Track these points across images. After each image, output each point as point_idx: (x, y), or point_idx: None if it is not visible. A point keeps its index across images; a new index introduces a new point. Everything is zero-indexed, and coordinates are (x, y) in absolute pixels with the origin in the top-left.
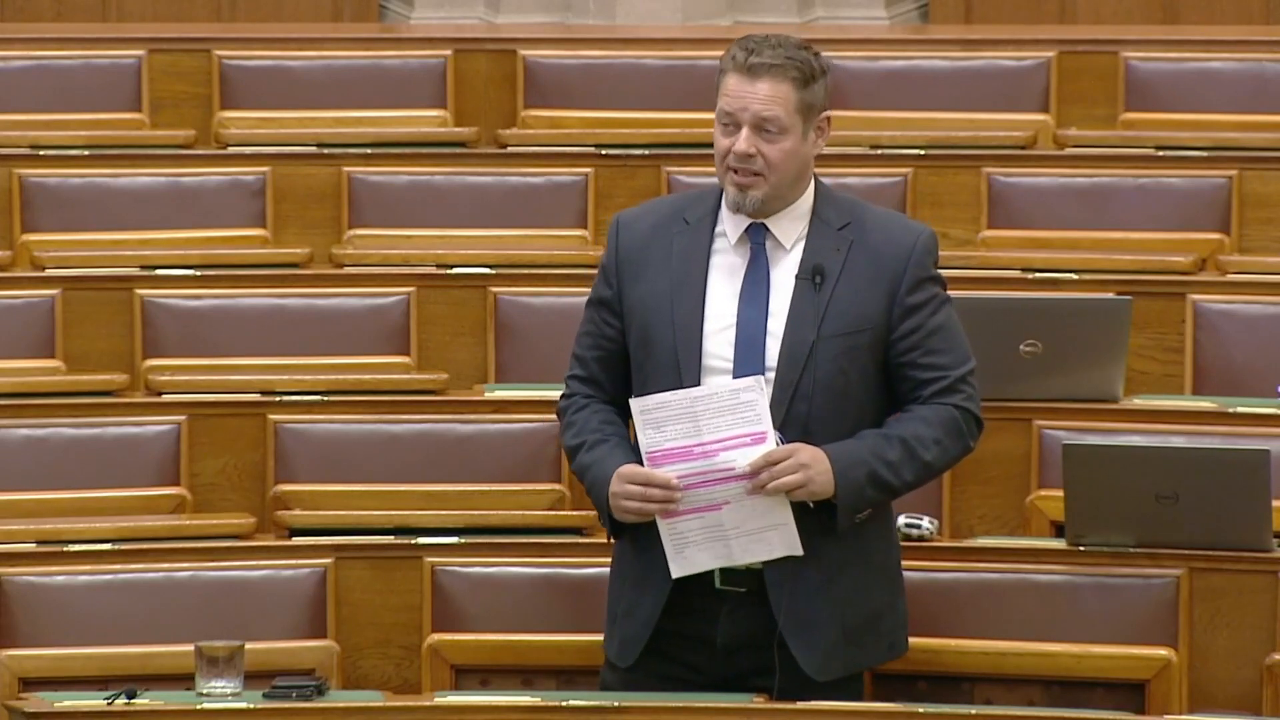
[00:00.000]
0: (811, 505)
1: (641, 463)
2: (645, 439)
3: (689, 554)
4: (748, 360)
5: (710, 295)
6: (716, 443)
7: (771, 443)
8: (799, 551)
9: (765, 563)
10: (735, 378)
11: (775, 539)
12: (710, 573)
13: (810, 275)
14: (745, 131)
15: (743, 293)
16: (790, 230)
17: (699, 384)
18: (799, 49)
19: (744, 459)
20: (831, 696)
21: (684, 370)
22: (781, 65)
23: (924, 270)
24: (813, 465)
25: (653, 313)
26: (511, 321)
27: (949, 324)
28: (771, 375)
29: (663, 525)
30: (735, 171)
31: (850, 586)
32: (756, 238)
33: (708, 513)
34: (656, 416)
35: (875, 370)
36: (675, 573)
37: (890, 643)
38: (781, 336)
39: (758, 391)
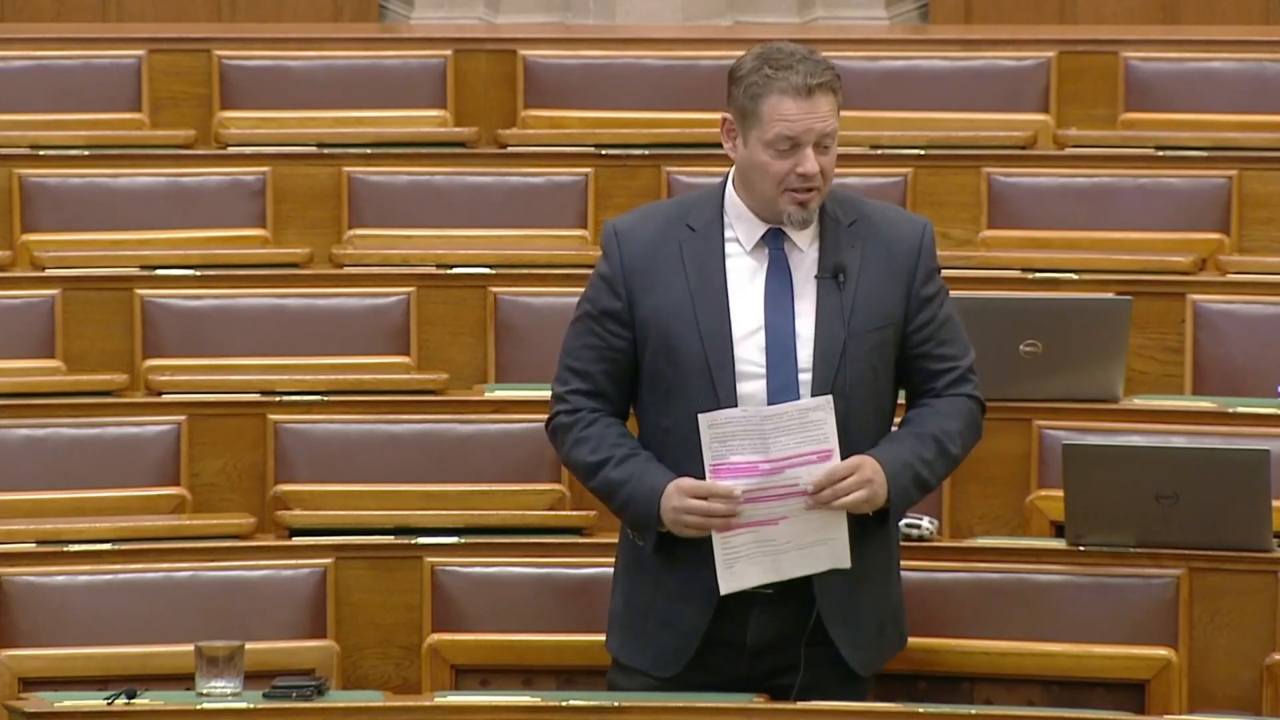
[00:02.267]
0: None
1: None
2: (710, 452)
3: (739, 569)
4: (781, 364)
5: (733, 301)
6: (783, 460)
7: (836, 459)
8: (847, 564)
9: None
10: (769, 382)
11: (825, 553)
12: None
13: (833, 274)
14: (810, 152)
15: (767, 296)
16: (805, 232)
17: (733, 391)
18: (818, 55)
19: (809, 475)
20: (860, 689)
21: (716, 378)
22: (829, 80)
23: (933, 261)
24: (875, 479)
25: (674, 322)
26: (511, 321)
27: (954, 315)
28: (806, 376)
29: (717, 540)
30: (796, 191)
31: (880, 580)
32: (775, 242)
33: (763, 527)
34: (724, 431)
35: (895, 364)
36: (724, 589)
37: (900, 635)
38: (812, 337)
39: (826, 410)
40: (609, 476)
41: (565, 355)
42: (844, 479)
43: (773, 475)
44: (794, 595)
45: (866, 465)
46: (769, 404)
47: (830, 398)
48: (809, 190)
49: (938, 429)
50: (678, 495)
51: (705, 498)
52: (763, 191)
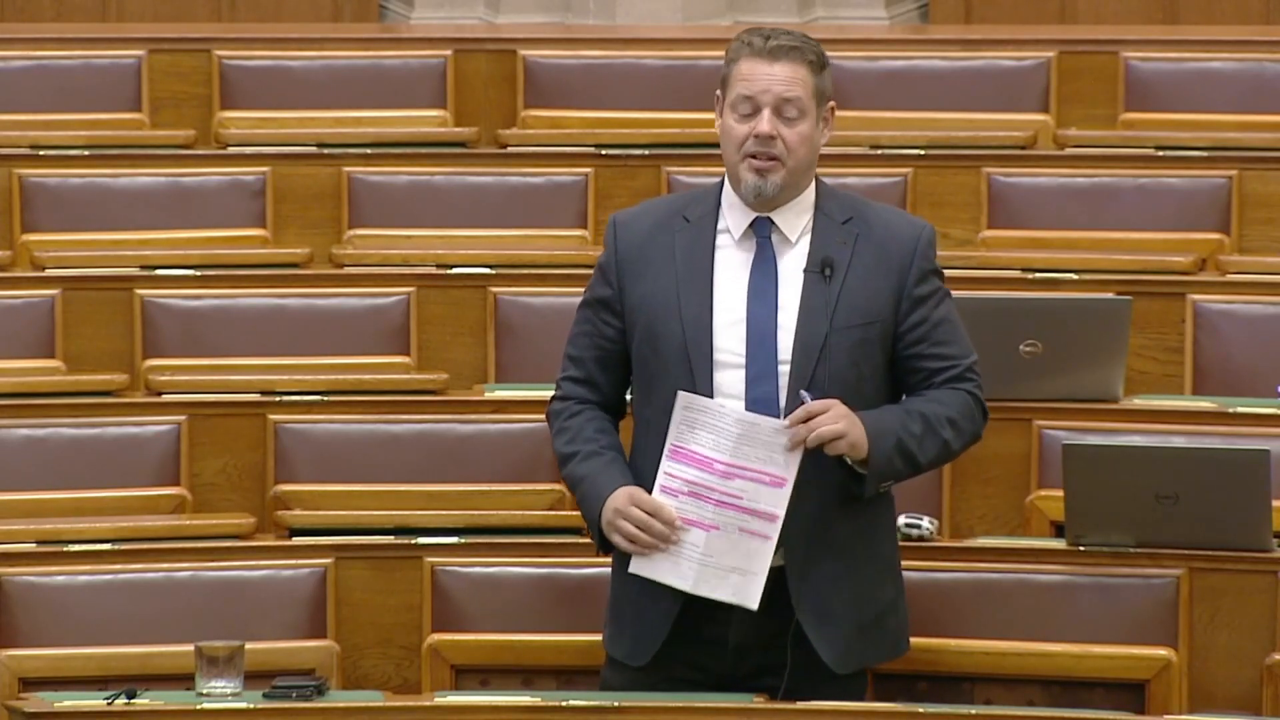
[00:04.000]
0: (849, 461)
1: (639, 478)
2: (675, 432)
3: (654, 559)
4: (760, 354)
5: (718, 290)
6: (739, 467)
7: (789, 489)
8: (753, 606)
9: (785, 556)
10: (748, 371)
11: (737, 582)
12: None
13: (820, 268)
14: (767, 113)
15: (751, 286)
16: (795, 224)
17: (711, 380)
18: (805, 36)
19: (755, 494)
20: (845, 690)
21: (695, 366)
22: (799, 48)
23: (929, 263)
24: (850, 419)
25: (659, 309)
26: (511, 321)
27: (952, 316)
28: (785, 368)
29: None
30: (754, 157)
31: (863, 580)
32: (762, 231)
33: (692, 528)
34: (694, 417)
35: (884, 365)
36: (632, 568)
37: (895, 641)
38: (794, 329)
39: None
40: (573, 471)
41: (567, 343)
42: (819, 414)
43: (724, 479)
44: (777, 594)
45: (840, 405)
46: (746, 394)
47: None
48: (769, 159)
49: (927, 410)
50: (625, 499)
51: (651, 513)
52: (729, 161)
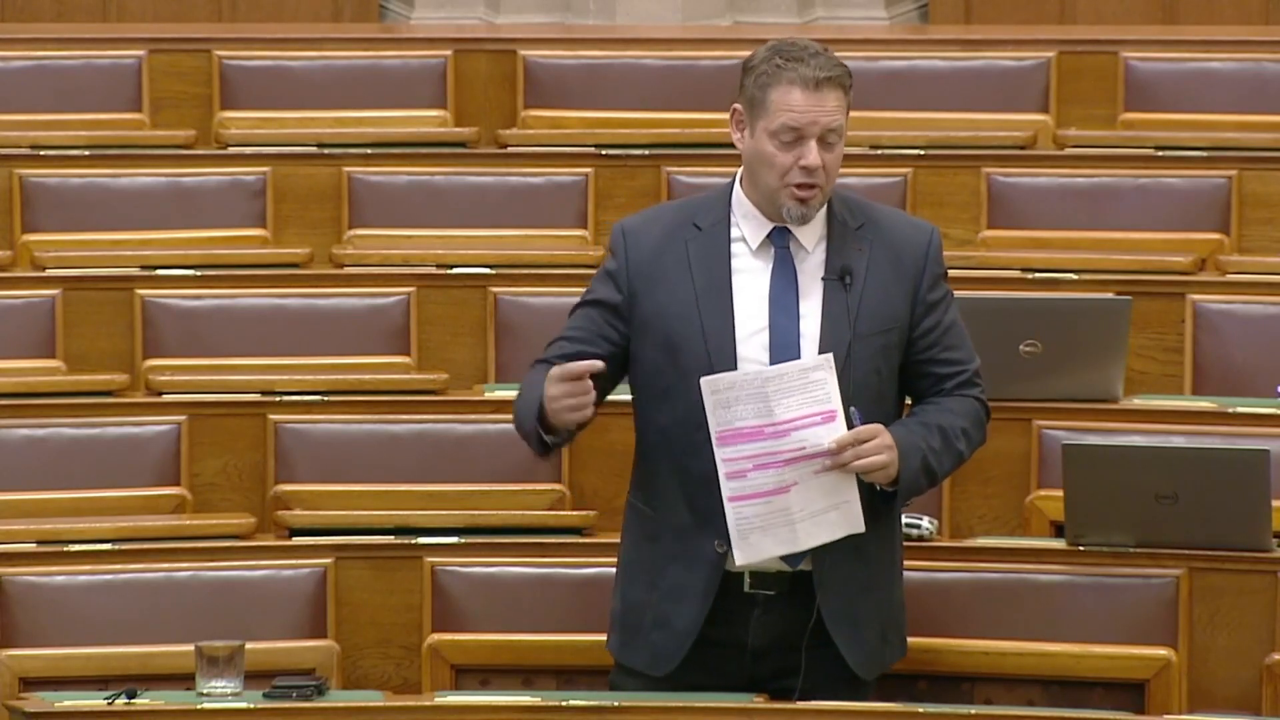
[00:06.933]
0: (880, 488)
1: (662, 496)
2: (714, 419)
3: (754, 540)
4: (784, 364)
5: (738, 300)
6: (787, 423)
7: (841, 421)
8: (862, 528)
9: (813, 561)
10: None
11: (838, 519)
12: (740, 576)
13: (840, 276)
14: (813, 144)
15: (771, 296)
16: (812, 232)
17: None
18: (831, 52)
19: (815, 438)
20: (860, 692)
21: None
22: (839, 75)
23: (939, 267)
24: (891, 448)
25: (678, 320)
26: (511, 321)
27: (959, 320)
28: None
29: (730, 509)
30: (798, 186)
31: (883, 585)
32: (780, 241)
33: (775, 496)
34: (726, 397)
35: (898, 368)
36: (740, 560)
37: (901, 642)
38: (818, 338)
39: (828, 369)
40: (515, 404)
41: (561, 331)
42: (866, 440)
43: (778, 439)
44: (796, 597)
45: (887, 433)
46: None
47: (830, 356)
48: (811, 186)
49: (944, 422)
50: (550, 385)
51: (562, 378)
52: (765, 184)
